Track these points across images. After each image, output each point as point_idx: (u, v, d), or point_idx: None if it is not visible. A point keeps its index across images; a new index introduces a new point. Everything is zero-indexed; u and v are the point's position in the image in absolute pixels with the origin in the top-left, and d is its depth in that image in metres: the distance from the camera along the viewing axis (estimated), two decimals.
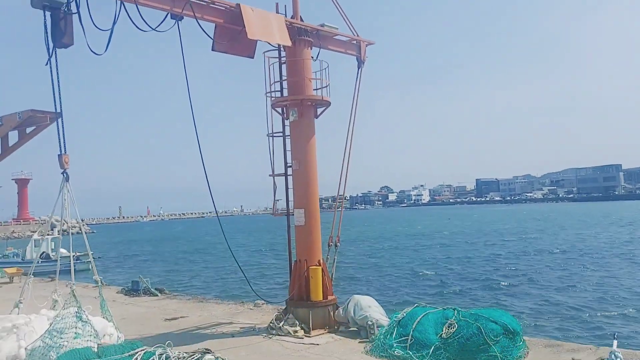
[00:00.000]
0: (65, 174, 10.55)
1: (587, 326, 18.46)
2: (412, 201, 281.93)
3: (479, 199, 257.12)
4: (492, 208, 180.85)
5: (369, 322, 12.77)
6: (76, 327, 9.51)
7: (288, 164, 14.78)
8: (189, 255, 53.43)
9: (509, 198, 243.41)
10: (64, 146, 10.62)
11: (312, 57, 14.61)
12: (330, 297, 14.15)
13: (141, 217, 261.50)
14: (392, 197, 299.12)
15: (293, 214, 14.58)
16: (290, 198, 14.92)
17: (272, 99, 14.78)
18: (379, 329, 12.47)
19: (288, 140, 14.83)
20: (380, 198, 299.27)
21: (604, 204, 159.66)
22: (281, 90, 14.85)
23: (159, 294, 21.66)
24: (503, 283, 27.64)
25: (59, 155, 10.64)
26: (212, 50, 13.76)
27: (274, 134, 15.04)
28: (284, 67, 14.82)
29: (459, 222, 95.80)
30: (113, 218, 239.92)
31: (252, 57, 14.73)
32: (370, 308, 13.25)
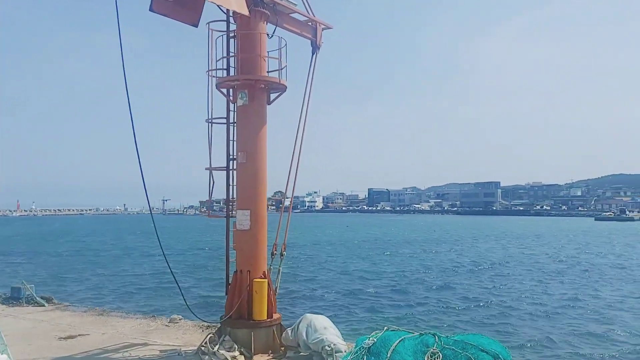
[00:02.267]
0: None
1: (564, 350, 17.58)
2: (306, 207, 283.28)
3: (370, 208, 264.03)
4: (385, 217, 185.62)
5: (327, 347, 10.81)
6: None
7: (231, 156, 12.50)
8: (73, 257, 47.46)
9: (398, 208, 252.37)
10: None
11: (268, 34, 12.48)
12: (275, 316, 12.04)
13: (10, 211, 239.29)
14: (285, 202, 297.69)
15: (234, 216, 12.33)
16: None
17: (217, 78, 12.43)
18: (338, 355, 10.59)
19: (230, 130, 12.60)
20: (273, 203, 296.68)
21: (484, 217, 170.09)
22: (227, 69, 12.56)
23: (46, 304, 18.16)
24: (450, 299, 26.02)
25: None
26: (150, 10, 11.26)
27: (214, 120, 12.72)
28: (232, 41, 12.56)
29: (356, 232, 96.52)
30: None
31: (196, 26, 12.34)
32: (327, 330, 11.30)
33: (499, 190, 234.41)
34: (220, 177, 12.84)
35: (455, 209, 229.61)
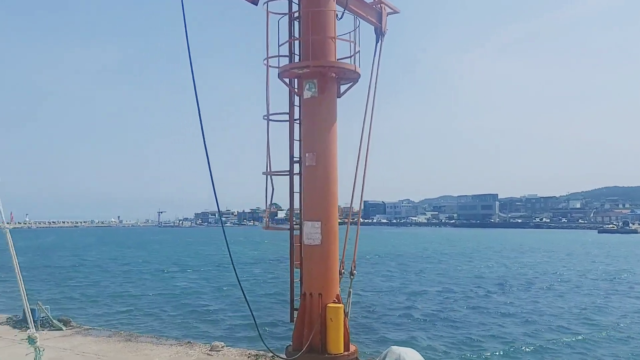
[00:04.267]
0: None
1: None
2: None
3: (366, 220, 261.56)
4: (384, 230, 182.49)
5: None
6: None
7: (295, 159, 10.68)
8: (79, 273, 44.63)
9: (395, 221, 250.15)
10: None
11: (337, 14, 10.73)
12: (352, 348, 10.15)
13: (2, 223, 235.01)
14: (281, 214, 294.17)
15: (300, 229, 10.47)
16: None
17: (280, 67, 10.64)
18: None
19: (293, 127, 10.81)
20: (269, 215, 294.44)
21: (486, 230, 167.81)
22: (290, 56, 10.77)
23: (64, 328, 16.13)
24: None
25: None
26: None
27: (272, 116, 10.91)
28: (293, 23, 10.80)
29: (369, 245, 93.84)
30: None
31: (256, 4, 10.56)
32: None
33: (497, 203, 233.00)
34: (280, 182, 11.07)
35: (453, 221, 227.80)
